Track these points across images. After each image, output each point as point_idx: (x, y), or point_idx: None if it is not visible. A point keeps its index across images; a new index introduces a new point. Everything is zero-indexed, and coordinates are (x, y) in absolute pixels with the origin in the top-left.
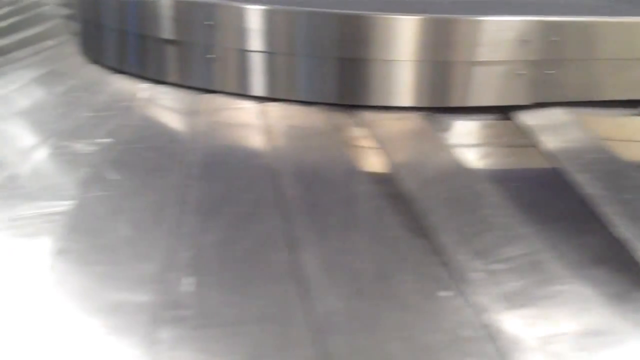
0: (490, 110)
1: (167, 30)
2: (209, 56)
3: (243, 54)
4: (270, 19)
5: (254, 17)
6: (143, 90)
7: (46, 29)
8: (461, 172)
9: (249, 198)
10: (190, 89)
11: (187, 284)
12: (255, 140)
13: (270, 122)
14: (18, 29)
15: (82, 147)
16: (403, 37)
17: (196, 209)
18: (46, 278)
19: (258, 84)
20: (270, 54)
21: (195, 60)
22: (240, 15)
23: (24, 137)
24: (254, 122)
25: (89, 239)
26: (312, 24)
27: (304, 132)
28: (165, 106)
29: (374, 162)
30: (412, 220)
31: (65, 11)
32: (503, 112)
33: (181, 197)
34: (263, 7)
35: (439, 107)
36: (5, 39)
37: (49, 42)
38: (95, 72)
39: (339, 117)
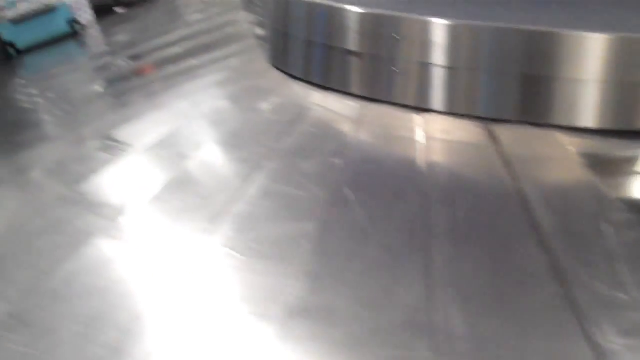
0: None
1: (354, 43)
2: (393, 69)
3: (427, 67)
4: (455, 34)
5: (439, 32)
6: (347, 106)
7: (239, 49)
8: None
9: (499, 225)
10: (377, 102)
11: (456, 315)
12: (489, 164)
13: (501, 145)
14: (210, 49)
15: (311, 167)
16: (591, 55)
17: (446, 235)
18: (302, 303)
19: (439, 99)
20: (453, 69)
21: (380, 72)
22: (425, 30)
23: (246, 154)
24: (481, 144)
25: (339, 262)
26: (496, 40)
27: (536, 155)
28: (377, 124)
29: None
30: None
31: (256, 30)
32: None
33: (427, 222)
34: (448, 22)
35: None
36: (197, 59)
37: (241, 59)
38: (294, 87)
39: (555, 138)
